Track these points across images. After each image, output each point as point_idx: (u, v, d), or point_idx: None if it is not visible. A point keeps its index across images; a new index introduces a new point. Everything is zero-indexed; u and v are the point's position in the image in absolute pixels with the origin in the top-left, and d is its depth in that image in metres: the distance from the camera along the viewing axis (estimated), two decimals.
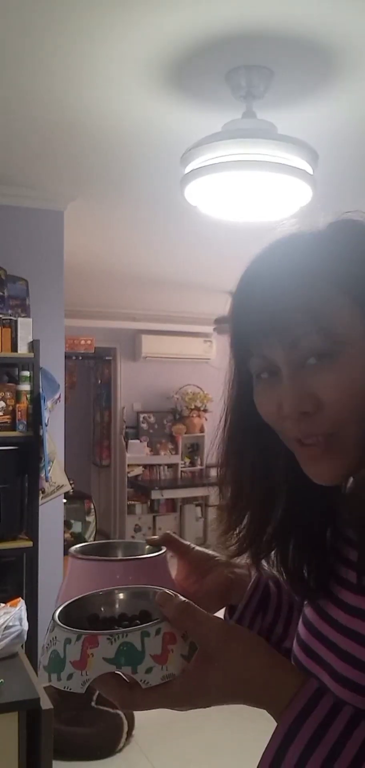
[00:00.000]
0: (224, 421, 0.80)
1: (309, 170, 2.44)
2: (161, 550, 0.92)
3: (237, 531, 0.80)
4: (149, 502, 8.00)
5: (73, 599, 0.75)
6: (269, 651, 0.68)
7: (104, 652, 0.64)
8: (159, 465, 8.18)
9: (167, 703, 0.67)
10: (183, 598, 0.69)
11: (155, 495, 7.83)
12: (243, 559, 0.87)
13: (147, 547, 0.93)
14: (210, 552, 0.94)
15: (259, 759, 0.64)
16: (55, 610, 0.72)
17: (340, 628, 0.72)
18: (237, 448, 0.79)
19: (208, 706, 0.68)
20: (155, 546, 0.92)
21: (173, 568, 0.94)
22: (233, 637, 0.68)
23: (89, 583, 0.82)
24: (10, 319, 3.45)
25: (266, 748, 0.63)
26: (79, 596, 0.76)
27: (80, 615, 0.73)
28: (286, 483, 0.79)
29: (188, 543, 0.95)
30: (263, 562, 0.82)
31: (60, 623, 0.69)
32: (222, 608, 0.93)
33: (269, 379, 0.73)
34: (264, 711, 0.67)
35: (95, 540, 5.34)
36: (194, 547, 0.94)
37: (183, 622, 0.68)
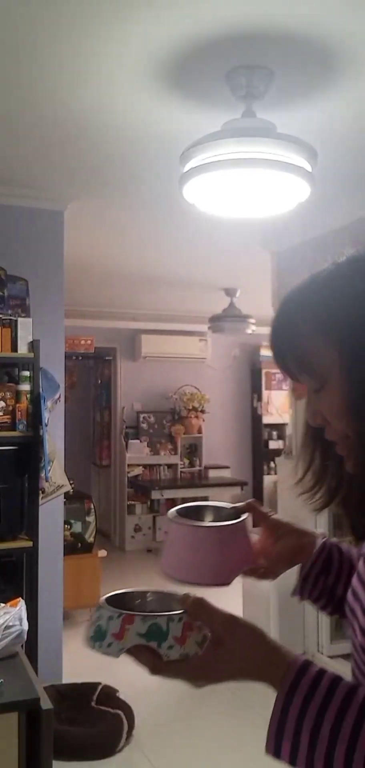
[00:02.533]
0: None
1: (308, 168, 2.44)
2: (243, 515, 1.07)
3: (308, 477, 0.97)
4: (149, 502, 8.00)
5: (113, 593, 0.91)
6: (267, 637, 0.83)
7: (138, 629, 0.82)
8: (159, 465, 8.18)
9: (185, 676, 0.83)
10: (197, 596, 0.86)
11: (155, 495, 7.82)
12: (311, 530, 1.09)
13: (232, 511, 1.07)
14: (284, 520, 1.10)
15: (257, 757, 0.68)
16: (103, 597, 0.89)
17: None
18: (305, 442, 0.98)
19: (219, 682, 0.84)
20: (240, 512, 1.06)
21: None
22: (237, 625, 0.84)
23: (183, 543, 1.00)
24: (10, 319, 3.44)
25: (273, 710, 0.77)
26: (121, 591, 0.92)
27: (120, 606, 0.88)
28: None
29: (266, 511, 1.11)
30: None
31: (106, 605, 0.86)
32: (291, 568, 1.09)
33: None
34: (263, 714, 0.75)
35: (95, 539, 5.36)
36: (271, 515, 1.10)
37: (198, 613, 0.84)
